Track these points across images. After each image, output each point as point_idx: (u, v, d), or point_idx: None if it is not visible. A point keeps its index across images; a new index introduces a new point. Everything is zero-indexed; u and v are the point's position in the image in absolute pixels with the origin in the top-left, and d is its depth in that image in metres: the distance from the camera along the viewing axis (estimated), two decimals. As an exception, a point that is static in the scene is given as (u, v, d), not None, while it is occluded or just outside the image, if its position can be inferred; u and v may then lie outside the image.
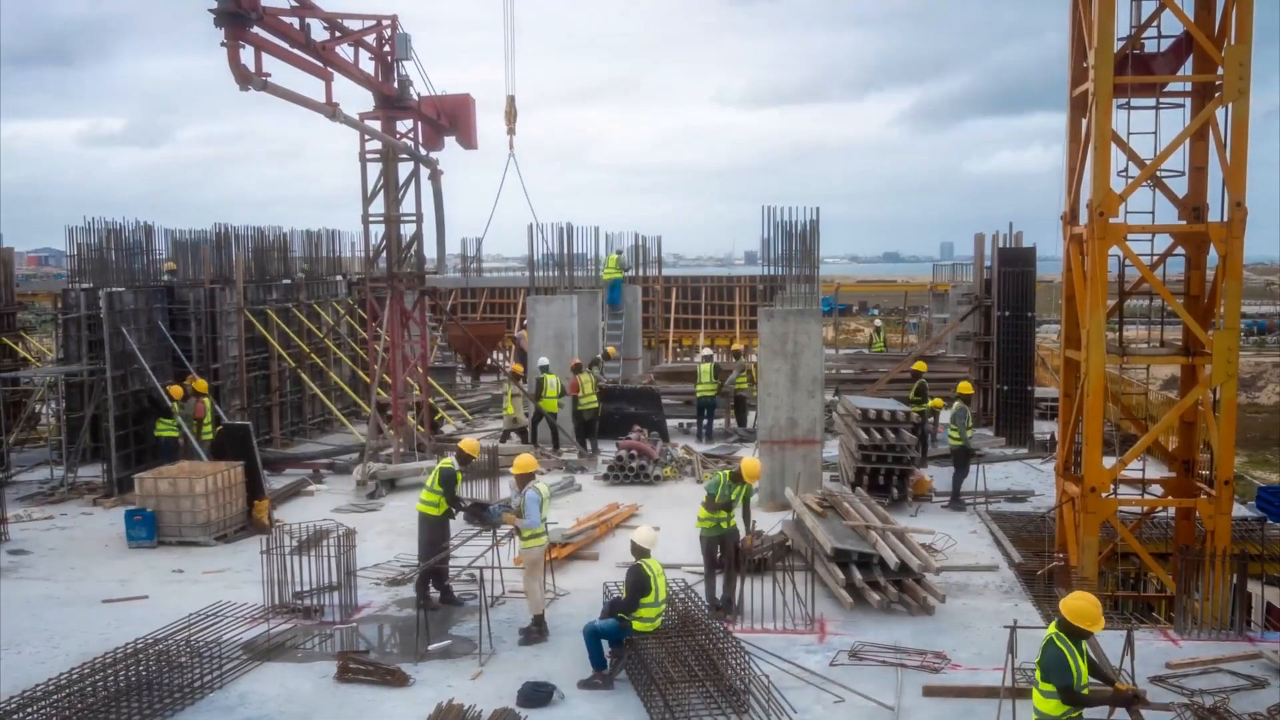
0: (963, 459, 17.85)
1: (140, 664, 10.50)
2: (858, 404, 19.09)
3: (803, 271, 18.29)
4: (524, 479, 11.96)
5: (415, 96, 19.89)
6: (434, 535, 12.83)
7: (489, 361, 31.02)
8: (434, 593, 12.92)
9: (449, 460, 13.10)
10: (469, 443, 13.58)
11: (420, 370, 22.11)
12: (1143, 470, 15.06)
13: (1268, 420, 47.11)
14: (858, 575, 12.79)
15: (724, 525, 12.62)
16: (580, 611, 12.39)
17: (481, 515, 12.88)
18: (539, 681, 10.27)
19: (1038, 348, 25.75)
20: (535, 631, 11.77)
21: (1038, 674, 7.70)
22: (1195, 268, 14.40)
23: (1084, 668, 7.56)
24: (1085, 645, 7.68)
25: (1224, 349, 13.28)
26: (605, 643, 10.59)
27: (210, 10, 13.63)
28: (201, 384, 19.17)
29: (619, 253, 30.88)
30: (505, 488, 18.40)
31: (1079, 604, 7.60)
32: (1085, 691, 7.58)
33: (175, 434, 18.73)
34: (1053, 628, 7.71)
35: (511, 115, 23.20)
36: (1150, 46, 14.14)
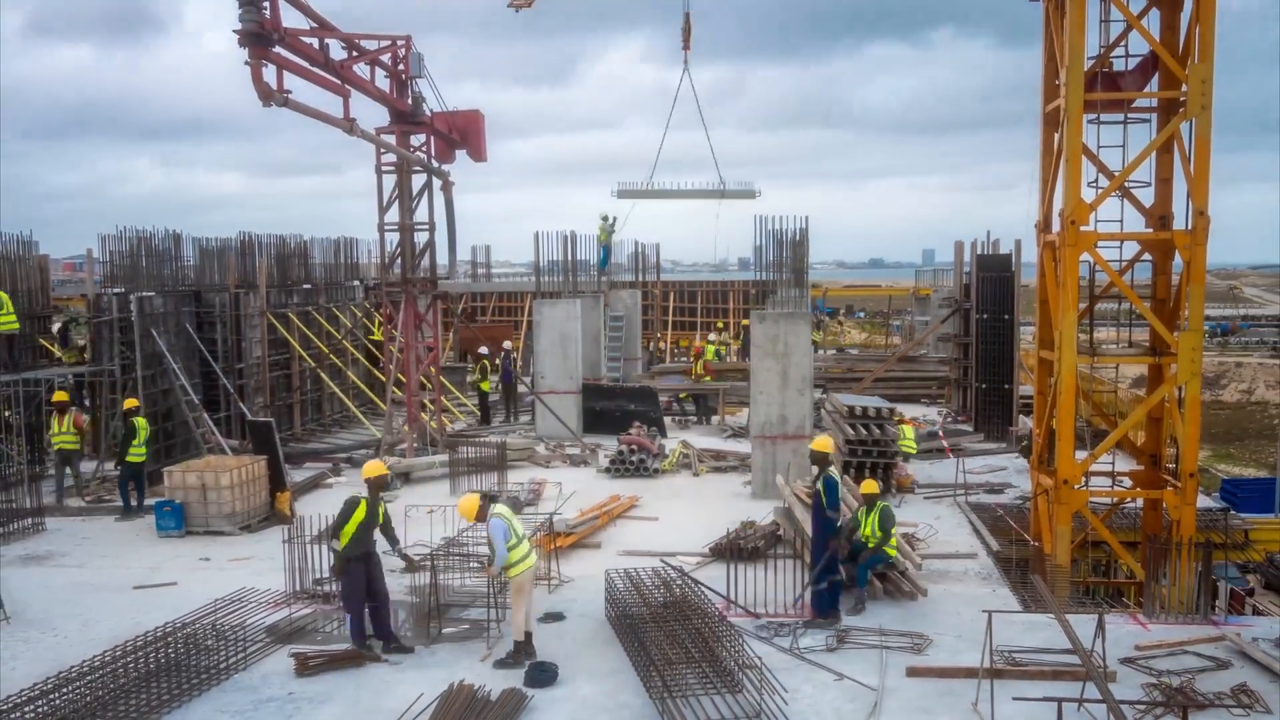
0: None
1: (169, 646, 10.49)
2: (845, 401, 19.12)
3: (792, 276, 18.30)
4: (479, 515, 10.56)
5: (428, 112, 19.91)
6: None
7: (496, 361, 31.01)
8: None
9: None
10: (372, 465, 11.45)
11: (433, 370, 22.10)
12: (1112, 464, 15.09)
13: (1230, 416, 47.16)
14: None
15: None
16: (584, 597, 12.42)
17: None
18: (544, 662, 10.27)
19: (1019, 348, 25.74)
20: (515, 656, 10.44)
21: (879, 535, 12.17)
22: (1161, 273, 14.41)
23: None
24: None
25: (1188, 349, 13.29)
26: None
27: (235, 31, 13.64)
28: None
29: (605, 219, 32.28)
30: (512, 483, 18.46)
31: (873, 482, 12.86)
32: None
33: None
34: (880, 504, 12.36)
35: (687, 31, 29.99)
36: (1118, 65, 14.17)
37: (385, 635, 10.96)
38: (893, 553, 12.41)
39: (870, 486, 12.67)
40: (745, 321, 33.85)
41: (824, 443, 12.30)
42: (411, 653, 10.87)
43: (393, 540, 11.28)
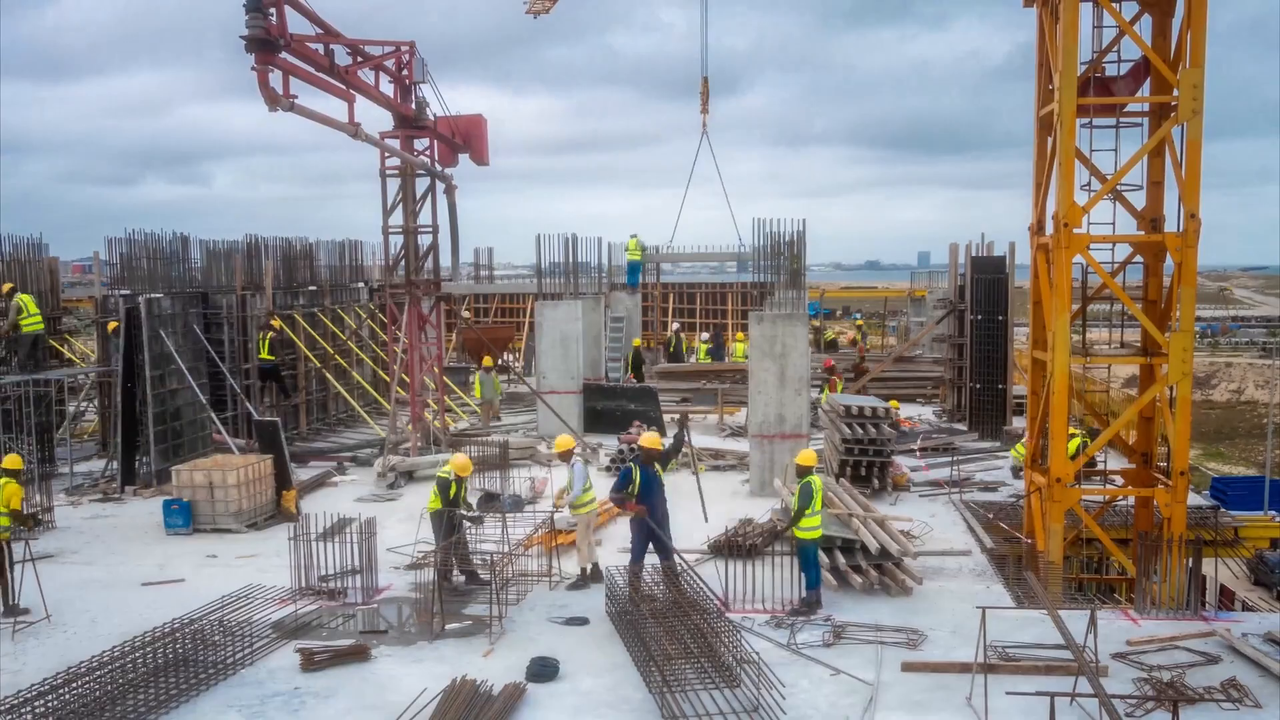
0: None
1: (176, 642, 10.48)
2: (841, 401, 19.10)
3: (790, 278, 18.30)
4: (566, 455, 13.32)
5: (431, 117, 19.90)
6: (436, 526, 12.97)
7: (500, 361, 31.06)
8: (458, 576, 12.90)
9: (446, 471, 13.06)
10: (460, 462, 13.26)
11: (436, 370, 22.10)
12: (1104, 462, 15.09)
13: (1220, 416, 47.16)
14: (841, 560, 12.79)
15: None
16: (585, 593, 12.41)
17: (492, 504, 12.91)
18: (545, 657, 10.28)
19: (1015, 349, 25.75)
20: (581, 581, 12.77)
21: (796, 507, 11.70)
22: (1153, 275, 14.42)
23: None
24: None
25: (1179, 349, 13.29)
26: None
27: (241, 37, 13.63)
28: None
29: (634, 236, 32.69)
30: (515, 480, 18.44)
31: (810, 453, 12.22)
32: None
33: None
34: (807, 478, 11.77)
35: (705, 95, 30.50)
36: (1111, 70, 14.18)
37: None
38: (814, 534, 11.82)
39: (803, 458, 12.10)
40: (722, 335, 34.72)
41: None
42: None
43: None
